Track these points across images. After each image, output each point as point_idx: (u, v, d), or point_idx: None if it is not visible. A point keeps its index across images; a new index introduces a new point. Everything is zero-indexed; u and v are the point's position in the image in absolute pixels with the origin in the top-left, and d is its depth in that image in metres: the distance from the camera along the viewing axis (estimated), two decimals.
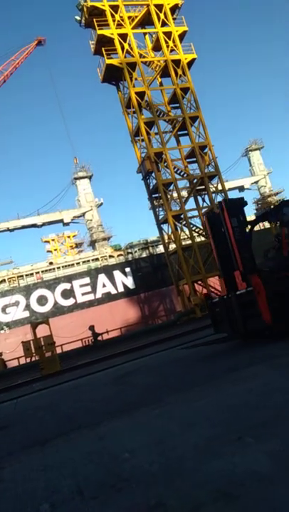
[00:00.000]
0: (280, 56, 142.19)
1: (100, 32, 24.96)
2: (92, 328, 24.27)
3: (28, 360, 18.10)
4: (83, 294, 32.10)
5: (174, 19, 26.49)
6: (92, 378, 9.68)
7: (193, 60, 26.45)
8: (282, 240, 7.95)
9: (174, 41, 25.80)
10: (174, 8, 26.61)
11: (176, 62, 25.62)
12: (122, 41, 25.00)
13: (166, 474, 2.83)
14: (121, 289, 32.99)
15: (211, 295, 17.70)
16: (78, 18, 25.92)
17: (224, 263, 8.17)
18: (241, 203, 8.11)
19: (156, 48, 26.62)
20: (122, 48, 25.04)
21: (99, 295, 32.38)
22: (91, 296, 32.24)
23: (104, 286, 32.69)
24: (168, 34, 25.87)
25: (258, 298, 6.87)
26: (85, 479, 3.11)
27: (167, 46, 25.60)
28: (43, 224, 41.43)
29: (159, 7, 25.86)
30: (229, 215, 7.80)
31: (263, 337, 7.23)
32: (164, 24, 25.92)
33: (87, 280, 32.46)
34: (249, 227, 8.27)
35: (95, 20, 25.01)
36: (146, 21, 26.41)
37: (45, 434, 4.94)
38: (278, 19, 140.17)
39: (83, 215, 42.21)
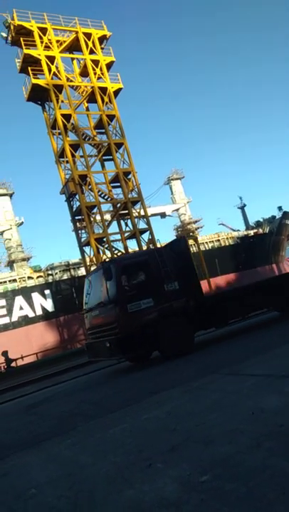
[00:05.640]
0: (206, 92, 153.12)
1: (26, 51, 24.73)
2: (5, 353, 22.89)
3: None
4: None
5: (102, 49, 27.27)
6: (1, 408, 9.05)
7: (119, 89, 27.29)
8: None
9: (101, 69, 26.46)
10: (102, 39, 27.43)
11: (103, 90, 26.22)
12: (49, 63, 25.00)
13: (74, 509, 2.71)
14: (39, 311, 31.74)
15: None
16: (4, 35, 25.47)
17: None
18: None
19: (84, 73, 27.05)
20: (49, 70, 25.02)
21: (15, 318, 30.76)
22: (6, 320, 30.49)
23: (21, 308, 31.18)
24: (95, 62, 26.49)
25: None
26: None
27: (94, 73, 26.17)
28: None
29: (88, 35, 26.49)
30: None
31: None
32: (92, 52, 26.54)
33: (2, 302, 30.72)
34: None
35: (22, 39, 24.76)
36: (74, 47, 26.81)
37: None
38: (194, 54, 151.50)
39: (1, 233, 40.30)
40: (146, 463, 3.06)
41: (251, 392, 4.22)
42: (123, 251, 25.93)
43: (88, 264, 26.04)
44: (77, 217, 25.86)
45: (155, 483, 2.69)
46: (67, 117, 24.94)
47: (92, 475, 3.19)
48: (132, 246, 27.65)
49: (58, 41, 25.81)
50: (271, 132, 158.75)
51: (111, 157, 26.12)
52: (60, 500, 2.87)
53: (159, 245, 25.03)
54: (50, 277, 34.04)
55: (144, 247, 26.03)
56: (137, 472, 2.97)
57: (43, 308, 31.90)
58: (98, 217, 25.28)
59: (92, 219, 25.00)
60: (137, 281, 8.69)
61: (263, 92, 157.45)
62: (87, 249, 25.92)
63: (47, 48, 25.26)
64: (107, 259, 9.81)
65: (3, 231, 40.02)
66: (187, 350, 8.56)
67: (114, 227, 26.62)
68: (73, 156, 24.89)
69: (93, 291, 9.55)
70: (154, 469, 2.93)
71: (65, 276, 34.33)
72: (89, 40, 26.41)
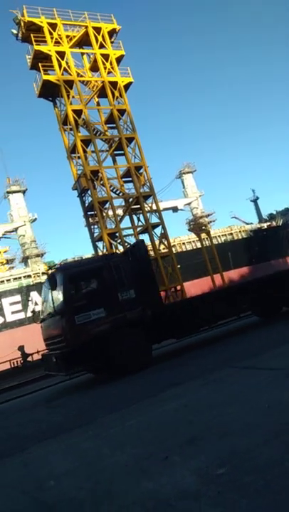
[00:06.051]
0: (215, 87, 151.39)
1: (37, 47, 24.76)
2: (21, 348, 23.20)
3: None
4: (13, 313, 30.68)
5: (111, 42, 27.14)
6: (20, 401, 9.21)
7: (130, 83, 27.17)
8: None
9: (111, 63, 26.36)
10: (112, 33, 27.28)
11: (113, 84, 26.14)
12: (59, 58, 25.01)
13: (94, 499, 2.76)
14: None
15: None
16: (15, 31, 25.55)
17: None
18: None
19: (94, 68, 26.98)
20: (60, 65, 25.04)
21: (30, 313, 31.16)
22: (22, 315, 30.93)
23: (36, 304, 31.56)
24: (105, 56, 26.39)
25: None
26: (7, 510, 2.93)
27: (104, 68, 26.08)
28: None
29: (97, 29, 26.38)
30: None
31: None
32: (101, 46, 26.44)
33: (18, 298, 31.14)
34: None
35: (32, 35, 24.81)
36: (84, 42, 26.73)
37: None
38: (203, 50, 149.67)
39: (16, 230, 40.71)
40: (164, 455, 3.10)
41: (268, 386, 4.23)
42: None
43: None
44: (89, 213, 25.93)
45: (173, 475, 2.73)
46: (78, 113, 24.95)
47: (111, 466, 3.25)
48: (145, 240, 27.63)
49: (67, 36, 25.77)
50: (283, 126, 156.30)
51: (122, 152, 26.07)
52: (80, 491, 2.93)
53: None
54: None
55: (157, 242, 26.04)
56: (155, 464, 3.01)
57: None
58: (110, 213, 25.31)
59: (104, 214, 25.06)
60: (86, 291, 8.05)
61: (269, 87, 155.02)
62: (100, 244, 26.00)
63: (57, 43, 25.26)
64: (56, 267, 8.93)
65: (18, 227, 40.44)
66: (143, 364, 7.89)
67: (126, 222, 26.59)
68: (85, 151, 24.93)
69: (47, 299, 8.76)
70: (172, 461, 2.96)
71: None
72: (98, 34, 26.31)
